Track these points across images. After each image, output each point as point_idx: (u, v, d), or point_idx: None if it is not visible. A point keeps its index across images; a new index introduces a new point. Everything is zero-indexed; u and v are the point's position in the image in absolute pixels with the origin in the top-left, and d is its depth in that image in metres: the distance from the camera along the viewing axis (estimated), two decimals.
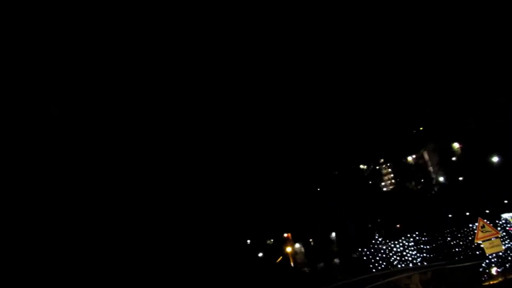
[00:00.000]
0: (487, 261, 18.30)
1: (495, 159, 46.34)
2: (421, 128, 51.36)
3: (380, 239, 21.46)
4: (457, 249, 21.70)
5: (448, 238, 21.85)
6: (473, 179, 41.47)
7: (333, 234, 37.34)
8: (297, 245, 46.58)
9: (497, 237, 13.36)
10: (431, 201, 34.70)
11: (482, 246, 13.51)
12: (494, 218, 22.27)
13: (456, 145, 52.38)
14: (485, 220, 14.07)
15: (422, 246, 21.58)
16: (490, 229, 13.28)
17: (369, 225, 28.83)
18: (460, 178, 45.58)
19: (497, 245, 13.19)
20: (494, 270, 18.20)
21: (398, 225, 27.23)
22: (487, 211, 25.65)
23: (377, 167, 52.00)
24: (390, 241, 21.42)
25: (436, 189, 45.10)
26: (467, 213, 26.12)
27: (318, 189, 41.93)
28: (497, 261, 18.09)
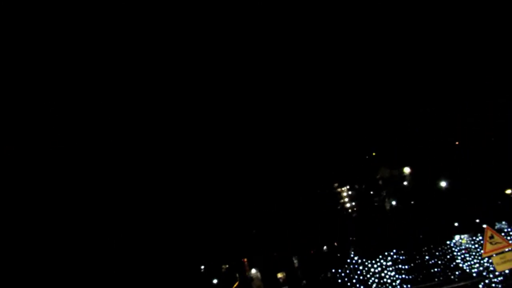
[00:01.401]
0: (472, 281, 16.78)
1: (443, 183, 47.81)
2: (373, 154, 51.84)
3: (356, 258, 19.37)
4: (436, 269, 20.10)
5: (426, 257, 20.25)
6: (423, 203, 42.24)
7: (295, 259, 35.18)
8: (253, 271, 44.20)
9: (510, 250, 11.45)
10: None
11: (492, 261, 11.47)
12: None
13: (407, 170, 53.44)
14: (499, 229, 12.20)
15: (400, 266, 19.78)
16: (500, 240, 11.35)
17: (343, 243, 26.99)
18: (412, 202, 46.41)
19: (511, 260, 11.23)
20: None
21: (374, 243, 25.56)
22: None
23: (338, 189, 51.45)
24: (367, 261, 19.43)
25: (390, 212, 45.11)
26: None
27: (279, 211, 40.04)
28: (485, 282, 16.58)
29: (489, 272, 19.38)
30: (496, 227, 32.98)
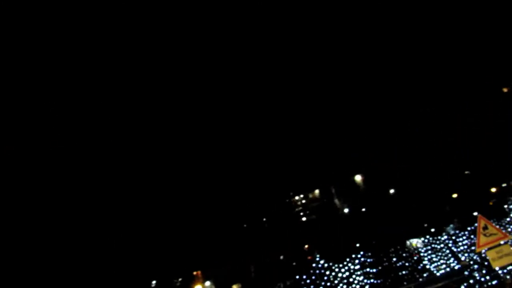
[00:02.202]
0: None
1: (391, 190, 48.92)
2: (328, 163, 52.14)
3: (322, 262, 17.83)
4: (404, 272, 19.09)
5: (394, 259, 19.20)
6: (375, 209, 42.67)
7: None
8: (207, 283, 41.92)
9: (507, 242, 10.11)
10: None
11: (487, 257, 9.98)
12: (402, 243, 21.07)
13: (358, 178, 54.13)
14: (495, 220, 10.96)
15: (368, 269, 18.53)
16: (495, 231, 9.97)
17: (306, 247, 25.46)
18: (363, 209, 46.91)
19: (508, 254, 9.86)
20: None
21: (342, 244, 24.21)
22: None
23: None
24: (334, 264, 17.97)
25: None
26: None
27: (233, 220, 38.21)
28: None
29: (454, 273, 18.71)
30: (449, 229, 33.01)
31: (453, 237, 21.35)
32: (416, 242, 26.01)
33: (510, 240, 10.10)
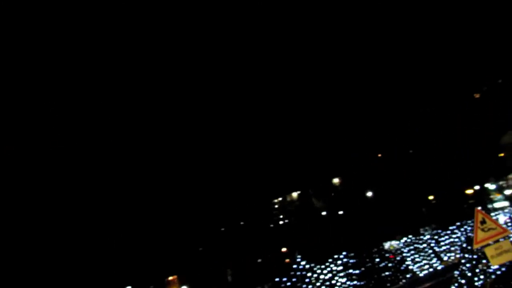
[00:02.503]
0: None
1: (369, 193, 49.05)
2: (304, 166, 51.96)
3: (303, 263, 16.87)
4: (387, 273, 18.40)
5: (377, 259, 18.49)
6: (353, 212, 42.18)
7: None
8: None
9: (506, 238, 9.35)
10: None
11: (486, 253, 9.16)
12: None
13: (336, 180, 54.04)
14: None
15: (351, 271, 17.74)
16: (494, 226, 9.15)
17: (285, 250, 24.42)
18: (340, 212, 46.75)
19: (508, 251, 9.08)
20: None
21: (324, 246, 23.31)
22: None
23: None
24: (315, 265, 17.05)
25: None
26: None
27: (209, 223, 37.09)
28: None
29: (438, 274, 18.17)
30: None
31: (436, 237, 20.92)
32: (394, 244, 25.56)
33: (510, 236, 9.35)
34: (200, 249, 34.37)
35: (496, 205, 40.05)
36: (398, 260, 18.63)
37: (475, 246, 9.35)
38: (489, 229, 9.06)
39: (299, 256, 17.04)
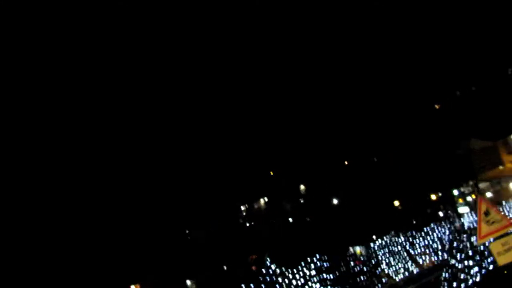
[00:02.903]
0: None
1: (334, 200, 48.93)
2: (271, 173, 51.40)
3: (273, 267, 15.27)
4: (362, 278, 17.18)
5: (351, 263, 17.27)
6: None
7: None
8: None
9: None
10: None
11: (491, 250, 7.75)
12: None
13: (302, 187, 53.77)
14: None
15: (325, 275, 16.35)
16: (499, 218, 7.75)
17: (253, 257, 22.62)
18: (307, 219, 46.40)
19: None
20: None
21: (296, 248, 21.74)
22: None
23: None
24: (287, 270, 15.51)
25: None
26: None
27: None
28: None
29: (413, 280, 17.20)
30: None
31: (410, 239, 20.09)
32: (359, 249, 24.77)
33: None
34: (164, 257, 32.53)
35: (460, 210, 40.56)
36: (373, 263, 17.52)
37: (479, 242, 8.01)
38: (493, 222, 7.78)
39: (268, 260, 15.49)
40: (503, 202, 34.65)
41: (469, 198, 43.15)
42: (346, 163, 50.70)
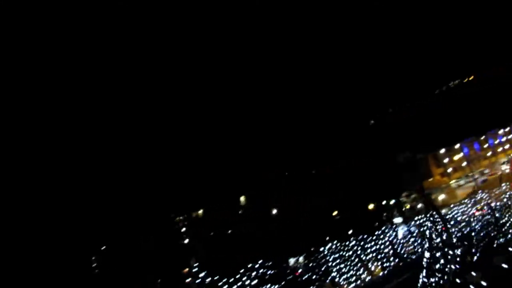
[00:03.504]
0: None
1: (274, 211, 48.65)
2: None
3: (202, 275, 12.45)
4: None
5: (300, 270, 15.08)
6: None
7: None
8: None
9: None
10: None
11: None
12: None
13: (242, 199, 52.87)
14: None
15: (270, 285, 13.80)
16: None
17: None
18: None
19: None
20: None
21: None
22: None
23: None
24: (222, 280, 12.73)
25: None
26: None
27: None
28: None
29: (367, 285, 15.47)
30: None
31: (362, 243, 18.51)
32: (297, 259, 23.23)
33: None
34: (95, 266, 30.12)
35: (395, 220, 41.12)
36: (323, 270, 15.53)
37: None
38: None
39: (196, 265, 12.74)
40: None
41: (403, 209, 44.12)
42: (286, 173, 50.45)
